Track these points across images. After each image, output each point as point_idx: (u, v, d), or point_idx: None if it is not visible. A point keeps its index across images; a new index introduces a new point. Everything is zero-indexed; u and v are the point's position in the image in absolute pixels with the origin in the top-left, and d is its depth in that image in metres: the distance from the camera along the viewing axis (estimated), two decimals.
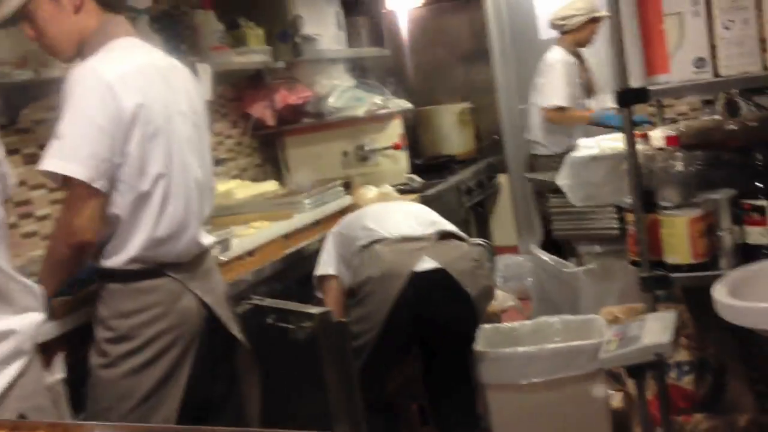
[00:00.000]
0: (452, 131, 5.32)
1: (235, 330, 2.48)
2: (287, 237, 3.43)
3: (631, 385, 2.79)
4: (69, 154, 2.07)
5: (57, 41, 2.26)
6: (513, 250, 4.70)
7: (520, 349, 2.94)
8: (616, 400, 2.94)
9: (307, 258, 3.46)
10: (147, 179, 2.20)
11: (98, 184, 2.09)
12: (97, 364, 2.24)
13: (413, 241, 2.92)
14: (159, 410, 2.26)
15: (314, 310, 2.99)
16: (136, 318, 2.24)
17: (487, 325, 3.19)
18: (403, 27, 5.57)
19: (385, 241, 2.93)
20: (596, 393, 2.82)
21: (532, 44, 5.04)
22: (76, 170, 2.07)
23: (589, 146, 3.79)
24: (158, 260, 2.26)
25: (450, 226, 3.07)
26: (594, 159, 3.66)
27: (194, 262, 2.38)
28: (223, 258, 2.91)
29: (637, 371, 2.65)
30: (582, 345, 2.85)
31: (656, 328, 2.70)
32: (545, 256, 3.80)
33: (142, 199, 2.20)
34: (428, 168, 4.91)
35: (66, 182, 2.11)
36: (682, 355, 2.84)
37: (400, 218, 3.06)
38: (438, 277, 2.85)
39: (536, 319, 3.27)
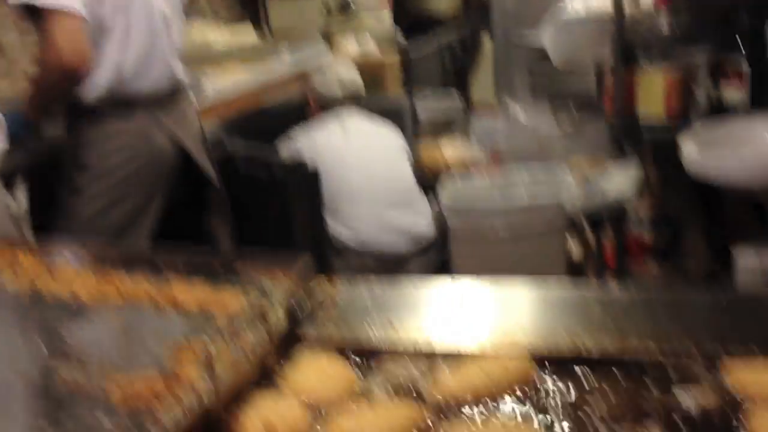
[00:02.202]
0: None
1: (209, 171, 2.51)
2: (263, 89, 3.44)
3: (590, 235, 2.88)
4: None
5: None
6: (491, 110, 4.70)
7: (488, 201, 3.01)
8: (576, 250, 3.03)
9: (282, 112, 3.48)
10: (107, 7, 2.19)
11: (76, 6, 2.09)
12: (68, 198, 2.29)
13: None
14: (128, 241, 2.32)
15: (286, 159, 3.05)
16: (107, 154, 2.27)
17: (457, 178, 3.25)
18: None
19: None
20: (557, 243, 2.91)
21: None
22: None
23: (575, 7, 3.73)
24: (130, 96, 2.28)
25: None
26: (579, 20, 3.61)
27: (168, 100, 2.39)
28: (196, 105, 2.93)
29: (598, 221, 2.74)
30: (548, 199, 2.91)
31: (619, 180, 2.77)
32: (521, 113, 3.83)
33: (104, 32, 2.20)
34: (412, 27, 4.84)
35: (40, 14, 2.10)
36: (643, 207, 2.92)
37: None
38: None
39: (505, 172, 3.32)
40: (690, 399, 0.99)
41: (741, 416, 0.93)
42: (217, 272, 1.34)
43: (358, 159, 3.13)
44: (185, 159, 2.45)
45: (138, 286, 1.33)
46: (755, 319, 1.12)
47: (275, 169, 2.89)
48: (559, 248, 2.93)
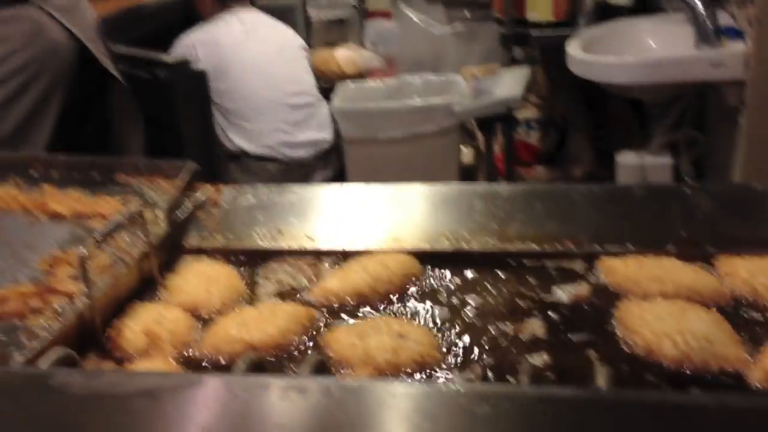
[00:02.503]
0: None
1: (110, 66, 2.37)
2: None
3: (481, 140, 2.91)
4: None
5: None
6: (386, 14, 4.64)
7: (380, 104, 2.99)
8: (467, 155, 3.07)
9: (164, 10, 3.32)
10: None
11: None
12: None
13: None
14: (23, 148, 2.20)
15: (170, 59, 2.93)
16: None
17: (350, 83, 3.21)
18: None
19: None
20: (449, 147, 2.94)
21: None
22: None
23: None
24: None
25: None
26: None
27: None
28: None
29: (487, 124, 2.77)
30: (439, 101, 2.92)
31: (509, 83, 2.79)
32: (415, 17, 3.79)
33: None
34: None
35: None
36: (532, 112, 2.97)
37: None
38: None
39: (398, 76, 3.31)
40: (568, 295, 1.02)
41: (614, 310, 0.97)
42: (95, 180, 1.29)
43: (259, 57, 3.04)
44: (83, 54, 2.29)
45: (10, 195, 1.26)
46: (632, 217, 1.16)
47: (159, 70, 2.77)
48: (451, 152, 2.96)
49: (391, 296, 1.04)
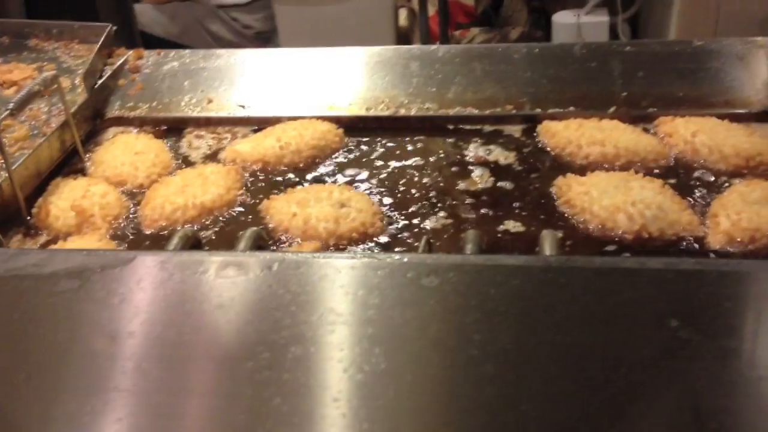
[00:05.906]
0: None
1: None
2: None
3: (415, 1, 2.81)
4: None
5: None
6: None
7: None
8: (402, 17, 2.97)
9: None
10: None
11: None
12: None
13: None
14: None
15: None
16: None
17: None
18: None
19: None
20: (384, 8, 2.83)
21: None
22: None
23: None
24: None
25: None
26: None
27: None
28: None
29: None
30: None
31: None
32: None
33: None
34: None
35: None
36: None
37: None
38: None
39: None
40: (505, 155, 1.00)
41: (556, 180, 0.94)
42: (4, 45, 1.20)
43: None
44: None
45: None
46: (572, 78, 1.13)
47: None
48: (386, 14, 2.86)
49: (310, 164, 1.00)
